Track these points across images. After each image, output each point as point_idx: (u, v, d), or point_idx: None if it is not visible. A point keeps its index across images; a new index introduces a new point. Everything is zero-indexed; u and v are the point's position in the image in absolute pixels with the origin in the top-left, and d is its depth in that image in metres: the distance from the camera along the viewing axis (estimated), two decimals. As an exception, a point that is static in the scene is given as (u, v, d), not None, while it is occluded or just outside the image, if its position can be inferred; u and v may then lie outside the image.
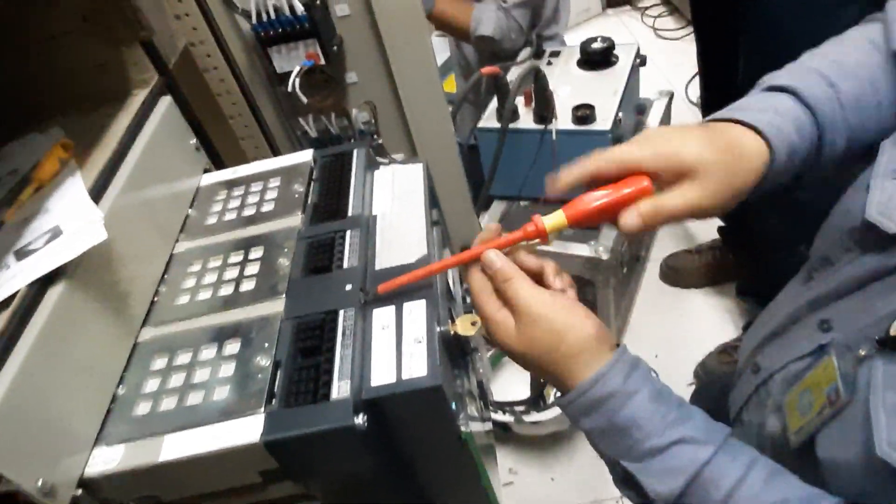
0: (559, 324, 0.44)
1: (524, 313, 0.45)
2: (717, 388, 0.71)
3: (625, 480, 0.44)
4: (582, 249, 1.25)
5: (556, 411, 1.25)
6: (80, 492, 0.47)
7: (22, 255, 0.51)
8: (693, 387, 1.40)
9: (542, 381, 1.28)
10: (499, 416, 1.27)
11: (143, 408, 0.52)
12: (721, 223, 1.57)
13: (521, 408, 1.27)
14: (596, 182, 0.47)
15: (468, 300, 0.75)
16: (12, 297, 0.48)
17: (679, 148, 0.44)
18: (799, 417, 0.44)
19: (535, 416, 1.25)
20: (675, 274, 1.65)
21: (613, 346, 0.45)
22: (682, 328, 1.56)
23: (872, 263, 0.43)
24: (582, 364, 0.44)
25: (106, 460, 0.49)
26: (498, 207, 1.40)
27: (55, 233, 0.52)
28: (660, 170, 0.44)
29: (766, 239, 1.31)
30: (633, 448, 0.42)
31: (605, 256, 1.24)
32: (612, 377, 0.43)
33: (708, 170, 0.43)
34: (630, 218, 0.45)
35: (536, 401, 1.28)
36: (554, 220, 0.47)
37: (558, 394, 1.35)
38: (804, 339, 0.48)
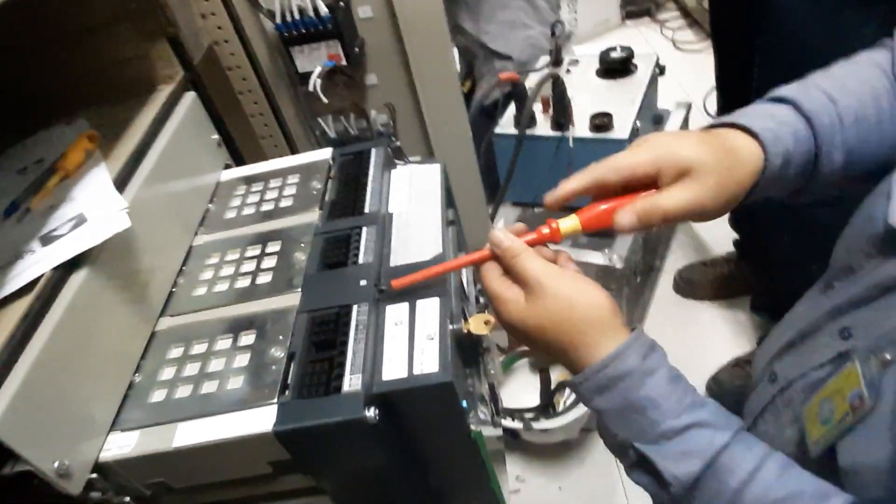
0: (570, 291, 0.44)
1: (534, 284, 0.44)
2: (729, 402, 0.70)
3: (638, 464, 0.43)
4: (596, 258, 1.25)
5: (565, 419, 1.24)
6: (94, 475, 0.48)
7: (47, 240, 0.52)
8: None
9: (553, 375, 1.28)
10: (508, 423, 1.26)
11: (158, 395, 0.53)
12: (736, 236, 1.56)
13: (531, 415, 1.26)
14: (601, 194, 0.47)
15: (482, 300, 0.75)
16: (36, 280, 0.49)
17: (677, 149, 0.45)
18: (819, 426, 0.43)
19: (544, 424, 1.25)
20: (688, 286, 1.64)
21: (627, 325, 0.45)
22: (695, 341, 1.54)
23: (894, 270, 0.42)
24: (596, 337, 0.43)
25: (121, 445, 0.49)
26: (513, 213, 1.40)
27: (80, 220, 0.53)
28: (660, 171, 0.45)
29: (777, 258, 1.30)
30: (648, 429, 0.42)
31: (618, 265, 1.24)
32: (630, 355, 0.43)
33: (705, 168, 0.44)
34: (625, 216, 0.45)
35: (546, 408, 1.27)
36: (569, 224, 0.48)
37: (570, 400, 1.34)
38: (824, 346, 0.48)
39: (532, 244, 0.48)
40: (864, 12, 0.88)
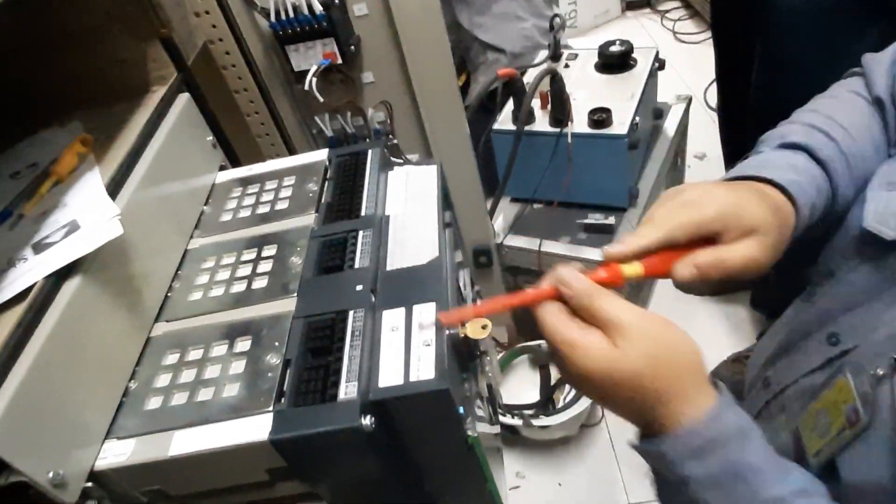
0: (667, 334, 0.39)
1: (624, 326, 0.38)
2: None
3: None
4: (595, 254, 1.24)
5: (565, 416, 1.24)
6: (90, 484, 0.48)
7: (40, 248, 0.52)
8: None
9: (553, 371, 1.27)
10: (507, 420, 1.26)
11: (154, 402, 0.53)
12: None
13: (530, 411, 1.26)
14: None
15: (479, 302, 0.74)
16: (29, 289, 0.48)
17: (744, 208, 0.44)
18: (817, 439, 0.43)
19: (543, 421, 1.25)
20: (688, 281, 1.63)
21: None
22: (695, 336, 1.52)
23: (874, 272, 0.43)
24: (689, 390, 0.38)
25: (117, 454, 0.49)
26: (511, 209, 1.39)
27: (72, 227, 0.53)
28: (725, 228, 0.43)
29: None
30: (751, 499, 0.37)
31: (618, 261, 1.23)
32: (728, 414, 0.38)
33: (768, 229, 0.43)
34: (685, 268, 0.42)
35: (546, 405, 1.27)
36: (632, 270, 0.44)
37: (569, 397, 1.32)
38: (814, 352, 0.48)
39: (549, 295, 0.43)
40: (863, 20, 0.88)
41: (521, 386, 1.36)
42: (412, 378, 0.49)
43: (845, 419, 0.40)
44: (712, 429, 0.37)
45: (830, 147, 0.48)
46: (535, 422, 1.25)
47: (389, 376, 0.50)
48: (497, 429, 0.87)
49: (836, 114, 0.50)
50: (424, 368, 0.50)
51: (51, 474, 0.44)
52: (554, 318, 0.41)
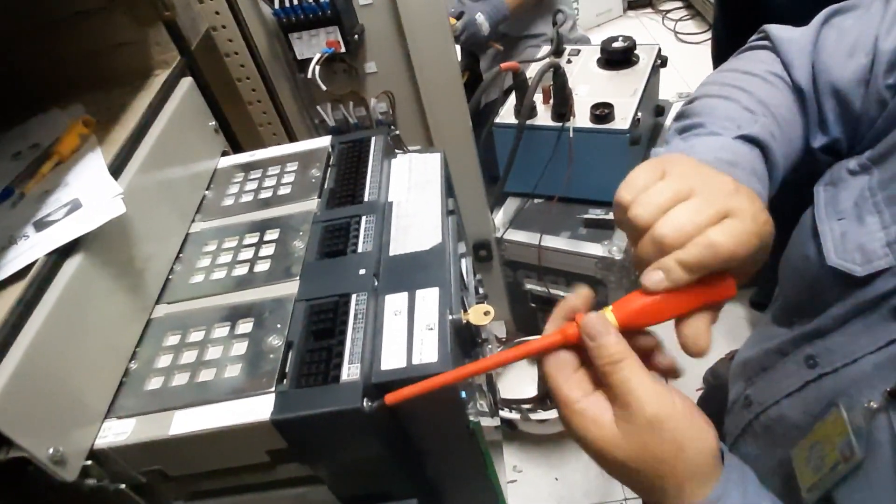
0: (682, 433, 0.35)
1: (637, 410, 0.35)
2: (724, 394, 0.71)
3: None
4: (595, 249, 1.24)
5: (562, 410, 1.24)
6: (89, 462, 0.48)
7: (41, 225, 0.51)
8: (701, 392, 1.39)
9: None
10: (505, 414, 1.26)
11: (154, 383, 0.52)
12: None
13: (528, 406, 1.27)
14: None
15: (481, 290, 0.74)
16: (30, 266, 0.48)
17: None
18: (811, 473, 0.42)
19: (541, 415, 1.25)
20: (687, 278, 1.64)
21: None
22: (693, 333, 1.54)
23: (848, 304, 0.43)
24: (694, 488, 0.35)
25: (117, 433, 0.49)
26: (512, 204, 1.39)
27: (74, 205, 0.52)
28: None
29: (773, 262, 1.31)
30: None
31: (618, 257, 1.23)
32: (731, 494, 0.36)
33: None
34: (653, 274, 0.36)
35: (543, 399, 1.27)
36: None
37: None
38: (793, 374, 0.48)
39: (554, 345, 0.38)
40: None
41: (520, 381, 1.36)
42: (415, 361, 0.49)
43: (839, 454, 0.39)
44: None
45: (778, 147, 0.47)
46: (533, 416, 1.25)
47: (392, 359, 0.50)
48: (497, 421, 0.87)
49: (770, 102, 0.49)
50: (427, 352, 0.50)
51: (51, 450, 0.44)
52: (558, 373, 0.38)
